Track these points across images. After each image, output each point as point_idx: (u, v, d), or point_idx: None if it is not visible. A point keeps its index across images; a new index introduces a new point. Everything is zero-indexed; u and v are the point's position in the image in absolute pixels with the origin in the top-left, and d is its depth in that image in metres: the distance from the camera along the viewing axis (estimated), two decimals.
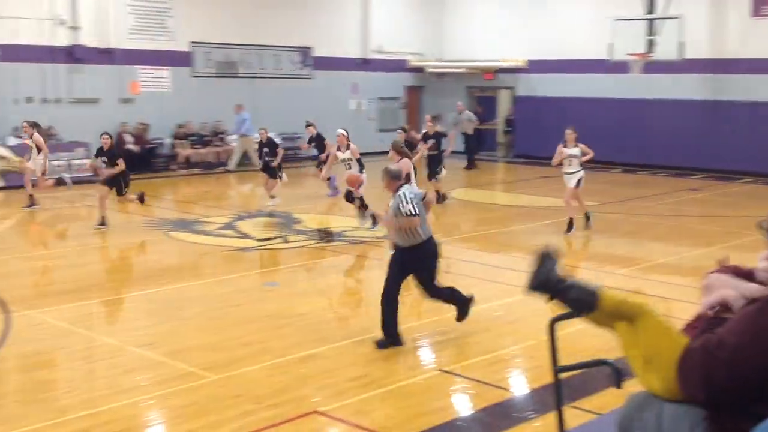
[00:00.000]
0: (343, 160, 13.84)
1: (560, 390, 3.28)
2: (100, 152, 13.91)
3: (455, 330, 8.38)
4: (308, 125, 17.99)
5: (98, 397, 6.50)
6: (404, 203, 7.56)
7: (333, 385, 6.81)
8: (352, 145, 13.80)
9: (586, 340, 6.54)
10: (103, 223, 13.48)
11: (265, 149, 16.06)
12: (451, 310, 8.22)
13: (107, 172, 13.62)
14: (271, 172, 16.08)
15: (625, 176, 22.43)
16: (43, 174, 15.77)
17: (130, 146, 21.06)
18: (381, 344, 7.68)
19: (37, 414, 6.15)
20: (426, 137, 16.89)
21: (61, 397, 6.58)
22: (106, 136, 13.96)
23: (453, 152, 22.98)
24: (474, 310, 8.26)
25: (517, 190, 20.72)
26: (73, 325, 8.47)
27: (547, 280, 2.82)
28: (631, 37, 21.61)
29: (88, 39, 20.82)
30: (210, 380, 6.89)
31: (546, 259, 2.88)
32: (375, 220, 12.46)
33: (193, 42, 22.99)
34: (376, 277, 11.41)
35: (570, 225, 13.49)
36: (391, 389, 6.77)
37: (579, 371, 3.88)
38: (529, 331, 8.30)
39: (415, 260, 7.74)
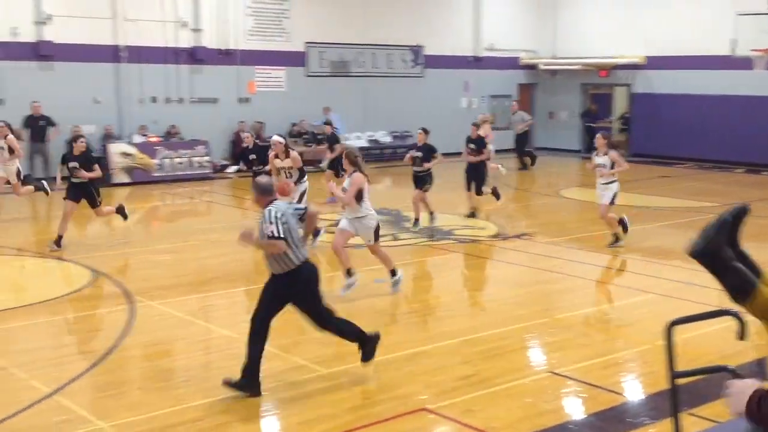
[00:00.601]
0: (281, 169, 12.41)
1: (677, 396, 3.18)
2: (70, 158, 12.17)
3: (566, 331, 8.25)
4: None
5: (214, 387, 6.71)
6: (267, 223, 6.41)
7: (441, 383, 6.82)
8: (292, 153, 12.51)
9: (706, 344, 6.31)
10: (59, 243, 11.86)
11: (252, 156, 13.76)
12: (569, 307, 8.09)
13: (83, 174, 11.97)
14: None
15: (749, 177, 21.48)
16: (19, 178, 14.56)
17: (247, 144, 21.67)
18: (231, 384, 6.46)
19: (157, 401, 6.42)
20: (469, 141, 15.13)
21: (179, 386, 6.84)
22: (82, 140, 12.40)
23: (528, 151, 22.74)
24: (586, 312, 8.09)
25: (632, 190, 20.15)
26: (192, 317, 8.79)
27: (717, 252, 2.58)
28: (755, 32, 20.65)
29: (209, 41, 21.57)
30: (321, 374, 7.02)
31: (724, 226, 2.61)
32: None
33: (307, 42, 23.45)
34: (484, 276, 11.38)
35: (616, 238, 12.37)
36: (500, 389, 6.72)
37: (698, 377, 3.75)
38: (644, 335, 8.07)
39: (288, 289, 6.58)
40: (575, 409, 6.59)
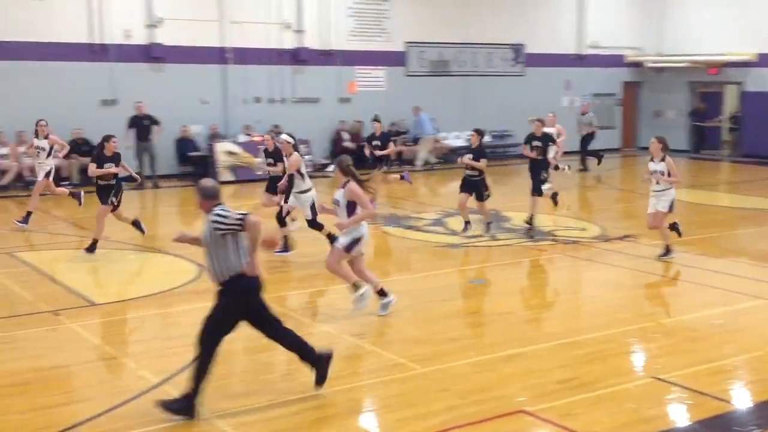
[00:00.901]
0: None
1: None
2: (103, 158, 11.74)
3: (671, 336, 8.02)
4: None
5: (312, 382, 6.83)
6: (223, 221, 6.02)
7: (539, 386, 6.73)
8: (294, 155, 11.30)
9: None
10: (92, 248, 11.36)
11: (270, 159, 12.83)
12: (674, 311, 7.85)
13: (114, 171, 11.68)
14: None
15: None
16: (48, 177, 13.76)
17: (347, 144, 21.97)
18: (166, 406, 6.03)
19: (258, 394, 6.57)
20: (530, 139, 14.11)
21: (278, 380, 6.98)
22: (114, 140, 11.91)
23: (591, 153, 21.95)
24: (692, 317, 7.83)
25: (742, 192, 19.40)
26: (294, 312, 8.95)
27: None
28: None
29: (311, 41, 21.93)
30: (417, 372, 7.03)
31: None
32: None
33: (408, 42, 23.54)
34: (586, 278, 11.16)
35: (667, 250, 11.41)
36: (601, 394, 6.58)
37: None
38: (754, 342, 7.77)
39: (231, 300, 6.16)
40: (680, 416, 6.39)
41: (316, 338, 8.24)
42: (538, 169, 14.03)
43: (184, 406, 6.02)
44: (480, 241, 12.84)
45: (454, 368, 7.11)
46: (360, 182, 8.41)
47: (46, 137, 13.79)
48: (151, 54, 19.82)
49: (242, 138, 20.62)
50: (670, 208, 11.31)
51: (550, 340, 7.94)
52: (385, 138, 15.72)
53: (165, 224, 14.49)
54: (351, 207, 8.35)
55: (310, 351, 6.45)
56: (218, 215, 6.07)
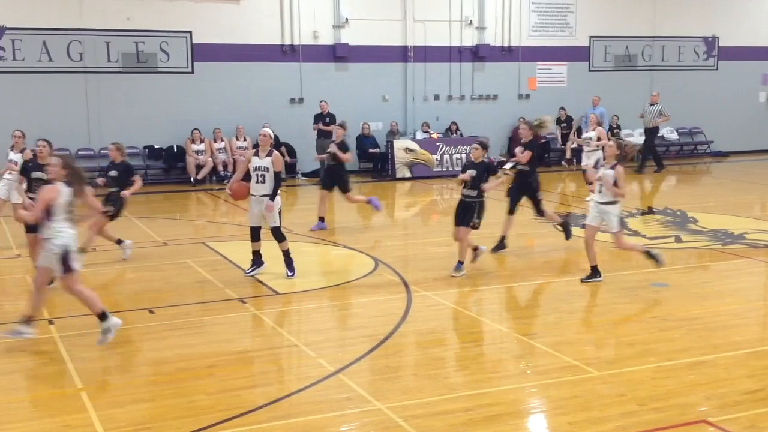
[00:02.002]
0: (258, 169, 10.09)
1: None
2: (111, 165, 11.31)
3: None
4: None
5: (484, 379, 6.84)
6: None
7: (724, 396, 6.38)
8: (275, 152, 10.20)
9: None
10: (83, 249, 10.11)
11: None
12: None
13: (124, 192, 11.03)
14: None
15: None
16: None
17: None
18: None
19: (429, 388, 6.65)
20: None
21: (450, 375, 7.03)
22: (113, 146, 11.32)
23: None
24: None
25: None
26: (465, 309, 8.99)
27: None
28: None
29: (492, 38, 21.86)
30: (593, 375, 6.86)
31: None
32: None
33: (592, 36, 22.94)
34: None
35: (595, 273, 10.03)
36: None
37: None
38: None
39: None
40: None
41: (487, 336, 8.25)
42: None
43: None
44: (664, 243, 12.32)
45: (632, 373, 6.88)
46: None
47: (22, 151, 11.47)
48: (337, 54, 20.48)
49: (420, 135, 20.90)
50: (621, 225, 9.76)
51: (737, 348, 7.51)
52: None
53: (343, 219, 14.94)
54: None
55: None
56: None
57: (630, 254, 11.20)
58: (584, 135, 16.47)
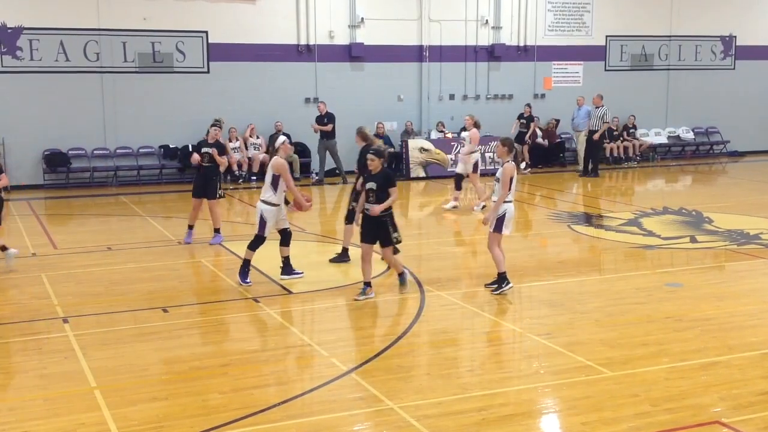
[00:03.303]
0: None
1: None
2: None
3: None
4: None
5: (497, 379, 6.83)
6: None
7: (738, 397, 6.34)
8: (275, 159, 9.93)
9: None
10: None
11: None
12: None
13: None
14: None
15: None
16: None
17: (540, 141, 21.67)
18: None
19: (442, 388, 6.65)
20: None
21: (463, 375, 7.02)
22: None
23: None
24: None
25: None
26: (478, 309, 8.98)
27: None
28: None
29: (508, 37, 21.81)
30: (606, 376, 6.84)
31: None
32: None
33: (608, 35, 22.86)
34: None
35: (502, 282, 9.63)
36: None
37: None
38: None
39: None
40: None
41: (500, 336, 8.24)
42: None
43: None
44: (679, 243, 12.26)
45: (646, 374, 6.85)
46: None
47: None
48: (352, 53, 20.50)
49: (434, 135, 20.88)
50: (500, 227, 9.24)
51: (752, 349, 7.47)
52: None
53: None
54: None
55: None
56: None
57: (644, 254, 11.15)
58: (462, 134, 16.12)
